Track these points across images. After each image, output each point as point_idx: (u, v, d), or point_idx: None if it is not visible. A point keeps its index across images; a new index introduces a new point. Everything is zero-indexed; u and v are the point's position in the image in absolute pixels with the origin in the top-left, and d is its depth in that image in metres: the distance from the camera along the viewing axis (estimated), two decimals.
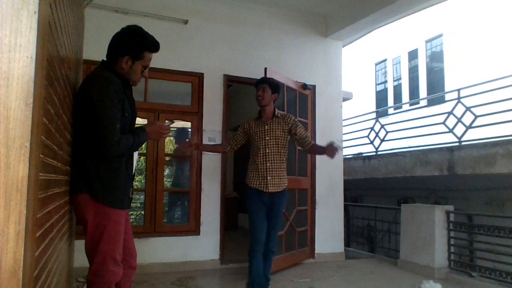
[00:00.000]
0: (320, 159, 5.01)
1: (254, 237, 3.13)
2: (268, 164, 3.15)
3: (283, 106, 4.58)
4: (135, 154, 2.12)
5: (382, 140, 7.96)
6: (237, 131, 3.39)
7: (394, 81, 11.94)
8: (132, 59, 1.93)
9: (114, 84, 1.84)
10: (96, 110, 1.77)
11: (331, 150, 2.89)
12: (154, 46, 1.98)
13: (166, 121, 2.81)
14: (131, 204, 2.14)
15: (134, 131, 1.98)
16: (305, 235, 4.96)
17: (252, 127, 3.29)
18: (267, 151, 3.16)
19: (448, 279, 4.14)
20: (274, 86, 3.24)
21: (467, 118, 5.93)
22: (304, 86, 4.86)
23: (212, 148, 3.76)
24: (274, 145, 3.16)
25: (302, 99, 4.92)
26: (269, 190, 3.14)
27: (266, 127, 3.20)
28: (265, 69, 4.26)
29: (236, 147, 3.40)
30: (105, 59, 2.00)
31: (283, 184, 3.20)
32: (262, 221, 3.15)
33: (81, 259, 3.78)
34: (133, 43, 1.94)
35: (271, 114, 3.23)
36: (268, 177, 3.14)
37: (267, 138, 3.17)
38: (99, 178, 1.83)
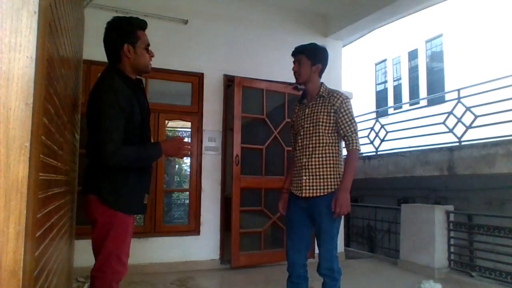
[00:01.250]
0: None
1: (287, 258, 2.47)
2: (304, 160, 2.41)
3: (261, 111, 4.75)
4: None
5: (382, 140, 7.96)
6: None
7: (394, 81, 11.94)
8: (131, 44, 1.91)
9: (118, 92, 1.82)
10: (98, 119, 1.79)
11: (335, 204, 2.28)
12: (141, 22, 1.98)
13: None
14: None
15: (144, 144, 1.95)
16: None
17: (295, 112, 2.61)
18: (305, 142, 2.43)
19: (448, 279, 4.14)
20: (314, 54, 2.46)
21: (467, 118, 5.93)
22: (296, 87, 4.87)
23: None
24: (314, 134, 2.39)
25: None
26: (304, 195, 2.38)
27: (307, 110, 2.47)
28: (234, 77, 4.39)
29: None
30: (104, 64, 1.99)
31: (325, 186, 2.34)
32: (296, 237, 2.45)
33: (81, 259, 3.79)
34: (122, 29, 1.93)
35: (315, 93, 2.47)
36: (304, 177, 2.39)
37: (306, 125, 2.44)
38: (108, 182, 1.85)
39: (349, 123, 2.36)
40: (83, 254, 3.86)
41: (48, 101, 1.19)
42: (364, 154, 8.31)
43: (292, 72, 2.52)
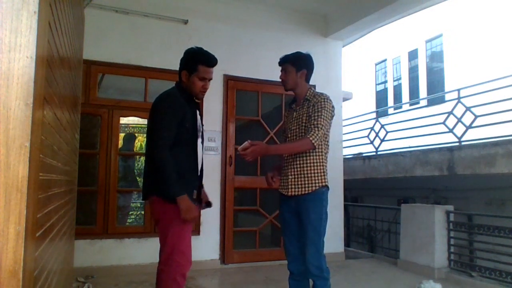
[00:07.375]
0: None
1: (286, 255, 2.58)
2: (290, 160, 2.51)
3: (257, 113, 4.84)
4: (199, 152, 2.28)
5: (382, 140, 7.96)
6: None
7: (394, 81, 11.94)
8: (187, 72, 2.23)
9: (174, 97, 2.16)
10: (156, 122, 2.11)
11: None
12: (207, 60, 2.26)
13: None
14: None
15: (182, 178, 2.10)
16: None
17: (286, 116, 2.78)
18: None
19: (448, 279, 4.14)
20: (298, 61, 2.58)
21: (467, 118, 5.93)
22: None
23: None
24: (299, 136, 2.52)
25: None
26: (290, 193, 2.47)
27: (295, 114, 2.61)
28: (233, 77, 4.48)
29: None
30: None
31: (310, 184, 2.43)
32: (289, 234, 2.54)
33: (81, 259, 3.79)
34: (187, 58, 2.27)
35: (302, 97, 2.59)
36: (290, 176, 2.48)
37: (293, 128, 2.58)
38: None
39: (317, 115, 2.40)
40: (83, 254, 3.87)
41: (48, 101, 1.19)
42: (364, 154, 8.31)
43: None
